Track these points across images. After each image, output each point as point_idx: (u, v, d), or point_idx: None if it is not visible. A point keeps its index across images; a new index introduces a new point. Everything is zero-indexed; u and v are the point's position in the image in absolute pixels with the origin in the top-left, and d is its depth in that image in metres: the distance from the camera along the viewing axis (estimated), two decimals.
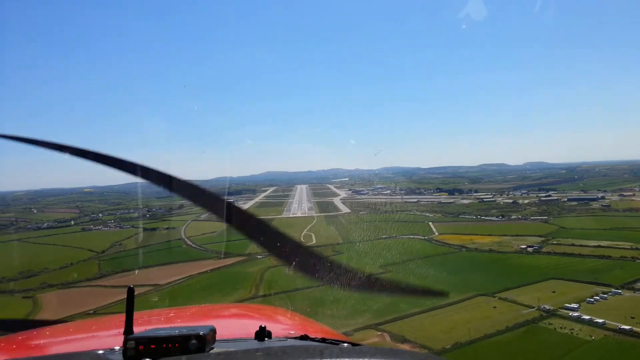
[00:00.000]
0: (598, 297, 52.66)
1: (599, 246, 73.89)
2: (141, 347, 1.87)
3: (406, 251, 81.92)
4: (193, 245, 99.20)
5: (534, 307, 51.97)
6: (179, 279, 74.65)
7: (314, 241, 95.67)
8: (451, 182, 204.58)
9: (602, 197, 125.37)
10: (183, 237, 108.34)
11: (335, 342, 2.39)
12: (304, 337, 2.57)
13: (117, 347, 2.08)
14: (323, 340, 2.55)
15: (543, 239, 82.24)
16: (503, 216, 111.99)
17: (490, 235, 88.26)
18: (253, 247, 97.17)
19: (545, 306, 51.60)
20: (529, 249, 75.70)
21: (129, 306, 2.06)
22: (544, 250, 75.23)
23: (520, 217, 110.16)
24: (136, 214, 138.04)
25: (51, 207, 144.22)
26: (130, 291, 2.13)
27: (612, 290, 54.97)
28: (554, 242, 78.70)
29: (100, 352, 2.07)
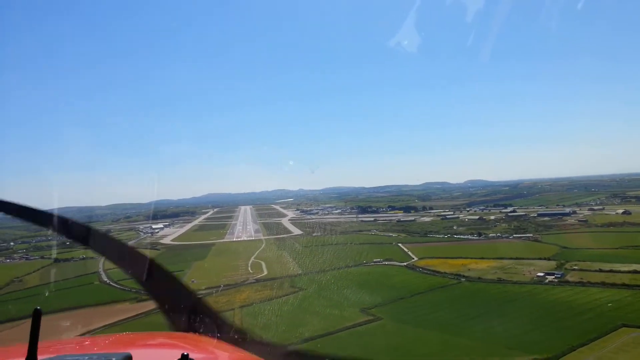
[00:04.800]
0: None
1: (636, 271, 53.37)
2: None
3: (389, 285, 58.00)
4: (109, 282, 71.73)
5: None
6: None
7: (265, 272, 69.91)
8: (399, 200, 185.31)
9: (574, 212, 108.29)
10: (101, 269, 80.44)
11: None
12: None
13: None
14: None
15: (555, 262, 60.98)
16: (480, 234, 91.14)
17: (483, 258, 66.12)
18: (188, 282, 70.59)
19: None
20: (550, 278, 53.84)
21: (34, 330, 1.74)
22: (569, 278, 53.58)
23: (499, 234, 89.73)
24: (54, 242, 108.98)
25: None
26: (37, 313, 1.79)
27: None
28: (575, 268, 57.37)
29: None
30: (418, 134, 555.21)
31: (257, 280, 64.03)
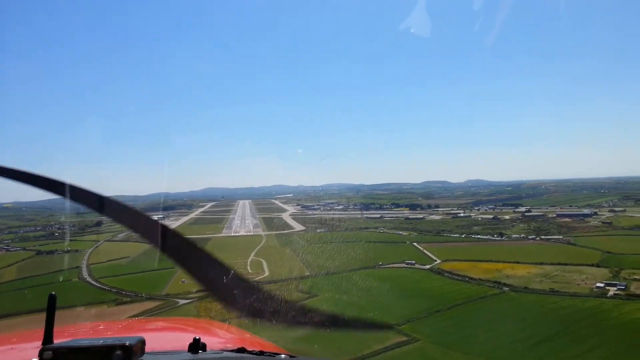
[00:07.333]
0: None
1: None
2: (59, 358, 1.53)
3: (416, 292, 47.10)
4: (89, 280, 60.77)
5: None
6: None
7: (267, 273, 59.03)
8: (402, 197, 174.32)
9: (595, 214, 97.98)
10: (84, 264, 69.72)
11: (273, 355, 2.09)
12: (241, 350, 2.16)
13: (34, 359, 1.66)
14: (261, 353, 2.14)
15: (607, 270, 50.41)
16: (502, 235, 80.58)
17: (518, 263, 55.57)
18: (175, 285, 59.57)
19: None
20: (613, 290, 43.20)
21: (50, 315, 1.71)
22: (635, 291, 42.92)
23: (523, 235, 79.26)
24: (42, 233, 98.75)
25: None
26: (52, 298, 1.75)
27: None
28: (636, 277, 46.71)
29: None
30: (417, 132, 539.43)
31: (258, 283, 52.72)
